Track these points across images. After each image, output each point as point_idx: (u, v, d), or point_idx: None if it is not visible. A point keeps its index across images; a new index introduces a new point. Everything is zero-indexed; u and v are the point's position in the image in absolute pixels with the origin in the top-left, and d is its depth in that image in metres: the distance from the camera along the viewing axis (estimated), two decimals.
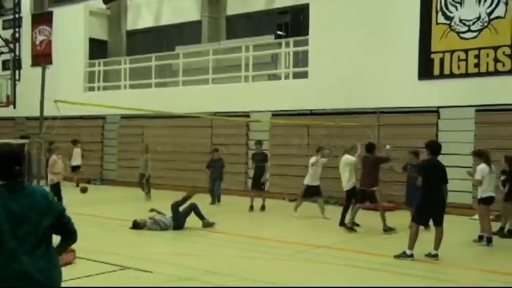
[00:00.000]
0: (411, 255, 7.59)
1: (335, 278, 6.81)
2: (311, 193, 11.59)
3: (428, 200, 7.59)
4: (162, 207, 13.34)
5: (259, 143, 13.68)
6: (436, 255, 7.67)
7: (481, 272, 7.15)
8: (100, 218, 11.27)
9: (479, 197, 9.23)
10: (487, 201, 9.19)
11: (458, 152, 12.65)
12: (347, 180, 10.57)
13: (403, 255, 7.62)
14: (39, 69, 7.21)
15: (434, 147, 7.90)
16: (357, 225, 10.25)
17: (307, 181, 11.63)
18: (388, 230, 9.89)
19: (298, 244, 8.71)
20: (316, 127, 14.72)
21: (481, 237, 9.13)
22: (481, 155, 9.35)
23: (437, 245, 7.72)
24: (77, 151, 16.08)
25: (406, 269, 7.14)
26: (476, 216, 12.09)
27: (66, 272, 6.33)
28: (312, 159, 11.65)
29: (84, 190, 15.20)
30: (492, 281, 6.64)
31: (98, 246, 8.08)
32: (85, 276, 6.21)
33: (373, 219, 11.55)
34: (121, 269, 6.69)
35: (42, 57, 21.05)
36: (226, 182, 15.95)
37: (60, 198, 9.78)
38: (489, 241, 8.95)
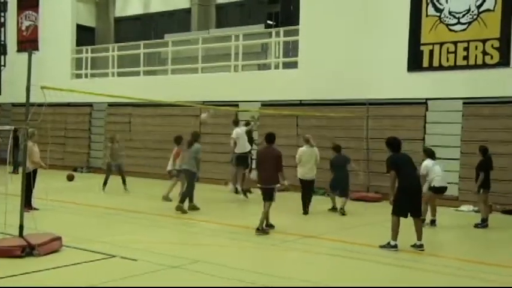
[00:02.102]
0: (395, 246, 7.67)
1: (320, 267, 6.84)
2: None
3: (403, 190, 7.64)
4: (153, 196, 13.32)
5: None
6: (421, 246, 7.74)
7: (463, 262, 7.23)
8: (86, 206, 11.20)
9: (431, 185, 9.69)
10: (438, 190, 9.75)
11: (446, 144, 12.75)
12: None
13: (387, 246, 7.70)
14: (25, 55, 7.07)
15: (396, 144, 8.00)
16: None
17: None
18: (269, 226, 9.01)
19: (284, 234, 8.74)
20: (306, 118, 14.72)
21: (432, 221, 9.80)
22: (425, 151, 10.18)
23: (419, 236, 7.79)
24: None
25: (391, 259, 7.21)
26: (463, 208, 12.31)
27: (51, 261, 6.31)
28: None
29: (70, 178, 15.05)
30: (476, 271, 6.72)
31: (83, 235, 8.03)
32: (65, 265, 6.15)
33: (360, 209, 11.64)
34: (107, 258, 6.65)
35: (28, 43, 20.73)
36: (214, 171, 15.93)
37: (33, 186, 9.57)
38: (432, 222, 9.78)
